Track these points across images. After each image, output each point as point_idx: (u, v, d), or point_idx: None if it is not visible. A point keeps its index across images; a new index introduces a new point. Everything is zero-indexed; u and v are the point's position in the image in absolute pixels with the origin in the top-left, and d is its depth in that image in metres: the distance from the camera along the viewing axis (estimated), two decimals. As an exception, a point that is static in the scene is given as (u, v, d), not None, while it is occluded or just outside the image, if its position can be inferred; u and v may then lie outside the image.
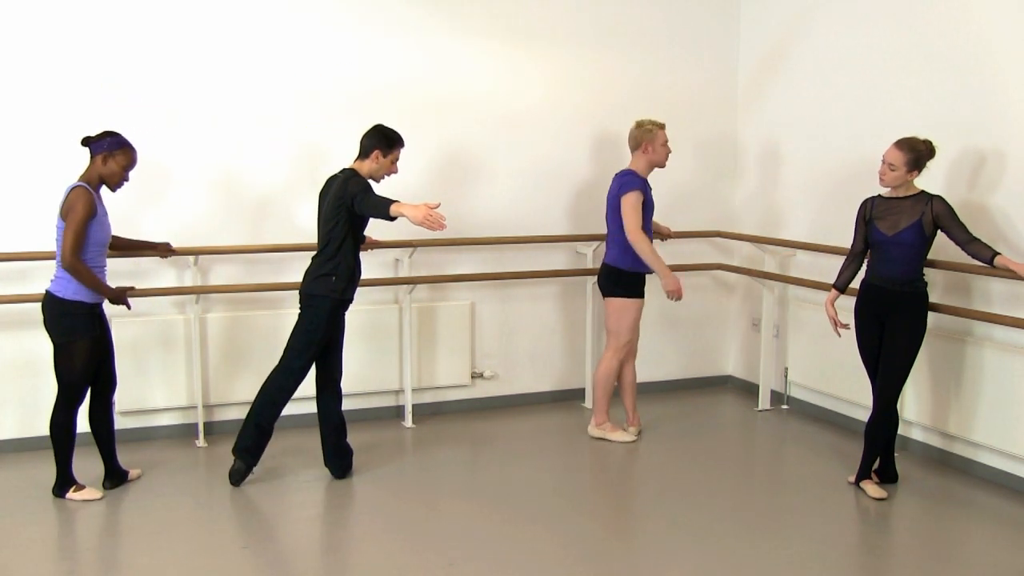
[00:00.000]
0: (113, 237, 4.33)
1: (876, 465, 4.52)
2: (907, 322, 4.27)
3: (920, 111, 4.86)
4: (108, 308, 4.39)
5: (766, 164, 6.10)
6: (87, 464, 4.63)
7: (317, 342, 4.41)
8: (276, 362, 4.45)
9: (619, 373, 5.29)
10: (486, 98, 5.67)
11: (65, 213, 4.02)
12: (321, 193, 4.49)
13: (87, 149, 4.15)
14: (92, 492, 4.33)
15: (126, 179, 4.21)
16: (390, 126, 4.48)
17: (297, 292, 4.51)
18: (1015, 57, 4.42)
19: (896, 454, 4.62)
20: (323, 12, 5.28)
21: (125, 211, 4.77)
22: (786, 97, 5.91)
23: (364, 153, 4.42)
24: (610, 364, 5.14)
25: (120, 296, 4.26)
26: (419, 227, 4.05)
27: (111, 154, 4.11)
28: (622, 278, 5.05)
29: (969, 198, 4.60)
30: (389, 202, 4.11)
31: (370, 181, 4.42)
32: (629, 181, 4.95)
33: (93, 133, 4.20)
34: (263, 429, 4.46)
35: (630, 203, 4.89)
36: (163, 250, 4.75)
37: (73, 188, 4.05)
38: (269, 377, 4.46)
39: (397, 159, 4.47)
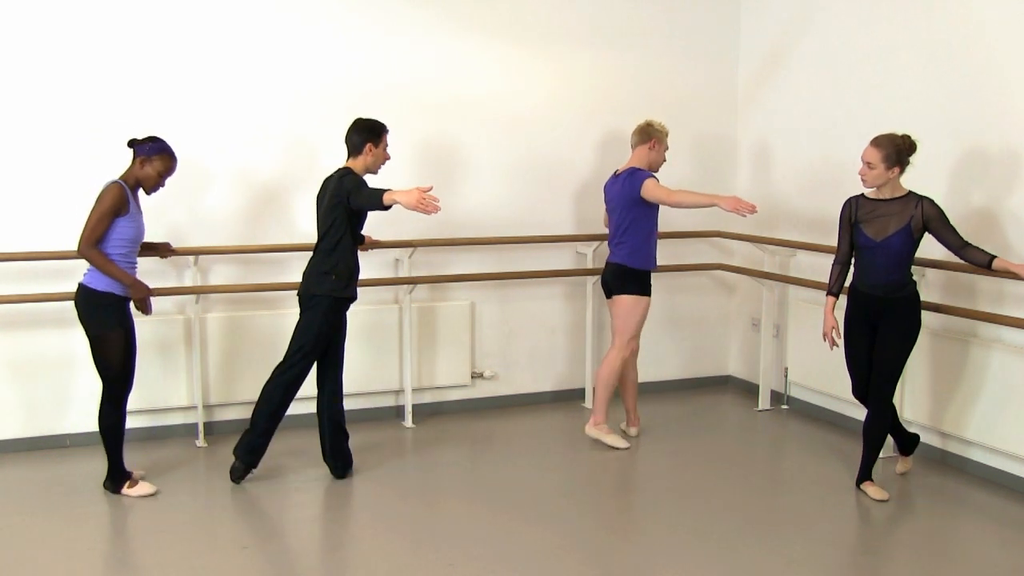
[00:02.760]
0: None
1: (885, 456, 4.47)
2: (901, 325, 4.24)
3: (920, 111, 4.85)
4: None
5: (765, 163, 6.10)
6: (88, 464, 4.64)
7: (319, 341, 4.41)
8: (277, 362, 4.44)
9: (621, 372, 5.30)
10: (487, 98, 5.67)
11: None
12: (318, 195, 4.49)
13: (131, 150, 4.20)
14: (146, 487, 4.35)
15: (162, 184, 4.27)
16: (370, 117, 4.49)
17: (296, 293, 4.52)
18: (1016, 57, 4.42)
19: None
20: (325, 12, 5.28)
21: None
22: (785, 96, 5.91)
23: (356, 150, 4.42)
24: (614, 363, 5.10)
25: (141, 290, 4.19)
26: (414, 213, 4.05)
27: (149, 158, 4.18)
28: (632, 276, 5.04)
29: (970, 200, 4.60)
30: (382, 192, 4.13)
31: (368, 175, 4.44)
32: (641, 174, 4.94)
33: (139, 136, 4.25)
34: (264, 429, 4.45)
35: (653, 185, 4.88)
36: (163, 250, 4.75)
37: (108, 184, 4.10)
38: (271, 378, 4.46)
39: (387, 145, 4.50)
